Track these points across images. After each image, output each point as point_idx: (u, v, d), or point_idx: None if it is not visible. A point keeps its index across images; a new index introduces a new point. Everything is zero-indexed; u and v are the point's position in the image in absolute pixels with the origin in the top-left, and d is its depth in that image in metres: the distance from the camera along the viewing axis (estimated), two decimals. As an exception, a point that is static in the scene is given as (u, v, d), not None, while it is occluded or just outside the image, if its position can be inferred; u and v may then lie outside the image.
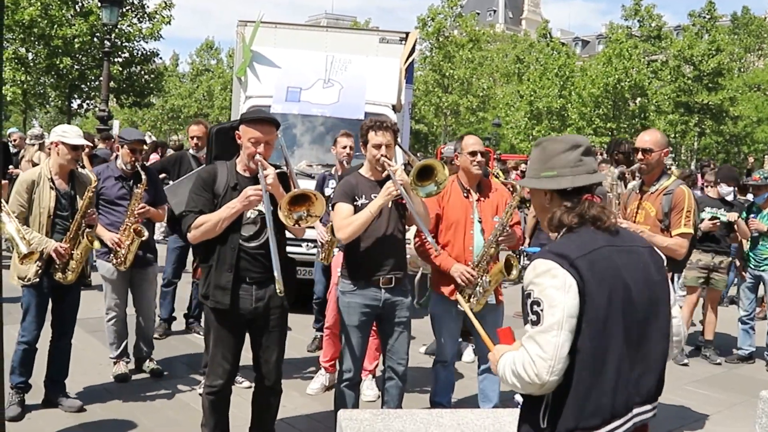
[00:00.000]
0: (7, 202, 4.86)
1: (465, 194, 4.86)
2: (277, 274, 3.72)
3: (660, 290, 2.42)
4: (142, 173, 5.67)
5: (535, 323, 2.25)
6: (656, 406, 2.43)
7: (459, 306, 4.75)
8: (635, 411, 2.33)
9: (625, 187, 6.72)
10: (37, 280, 4.86)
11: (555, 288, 2.23)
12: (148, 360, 6.03)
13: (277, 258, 3.74)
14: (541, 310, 2.24)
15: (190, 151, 7.40)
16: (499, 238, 4.69)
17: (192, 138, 7.40)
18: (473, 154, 4.82)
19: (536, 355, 2.22)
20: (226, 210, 3.94)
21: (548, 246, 2.40)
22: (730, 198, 7.99)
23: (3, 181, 4.82)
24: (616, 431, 2.28)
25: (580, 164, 2.45)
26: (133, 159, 5.69)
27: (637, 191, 5.18)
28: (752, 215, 7.54)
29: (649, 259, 2.44)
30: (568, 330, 2.21)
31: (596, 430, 2.25)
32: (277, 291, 3.80)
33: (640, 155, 4.99)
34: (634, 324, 2.31)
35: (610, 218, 2.40)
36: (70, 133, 5.00)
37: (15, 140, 11.40)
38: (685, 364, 7.32)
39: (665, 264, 2.52)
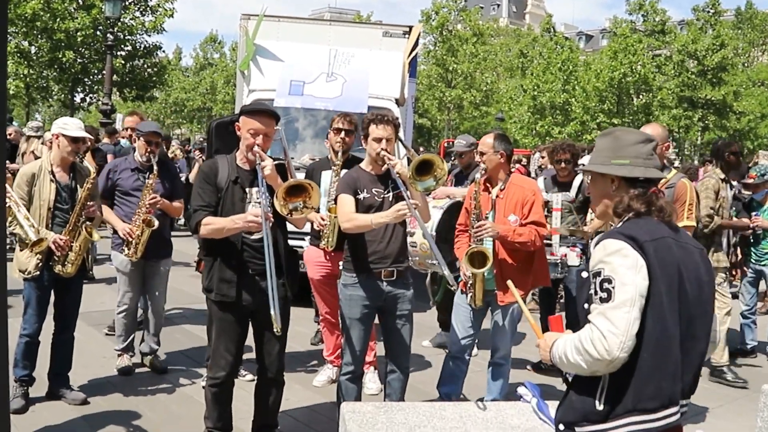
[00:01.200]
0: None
1: (487, 190, 4.94)
2: (273, 311, 3.64)
3: (708, 290, 2.48)
4: (154, 165, 5.68)
5: (605, 300, 2.29)
6: (688, 403, 2.47)
7: (467, 296, 4.82)
8: (681, 402, 2.38)
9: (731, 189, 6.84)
10: (38, 273, 4.87)
11: (626, 267, 2.28)
12: (153, 355, 6.03)
13: (275, 289, 3.68)
14: (613, 288, 2.28)
15: (122, 141, 7.37)
16: (474, 233, 4.71)
17: (126, 129, 7.40)
18: (480, 153, 4.90)
19: (608, 330, 2.24)
20: (231, 223, 3.96)
21: (616, 228, 2.45)
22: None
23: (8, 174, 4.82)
24: (670, 418, 2.31)
25: (651, 158, 2.52)
26: (148, 150, 5.71)
27: None
28: (754, 213, 7.52)
29: (700, 259, 2.49)
30: (638, 308, 2.26)
31: (653, 413, 2.29)
32: (275, 330, 3.72)
33: None
34: (685, 317, 2.36)
35: (672, 214, 2.47)
36: (70, 126, 5.01)
37: (10, 134, 11.38)
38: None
39: (712, 266, 2.59)
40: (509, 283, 3.07)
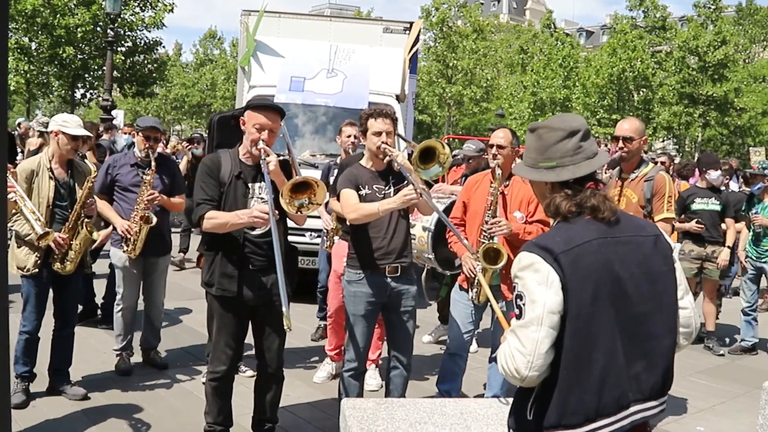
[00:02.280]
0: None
1: (491, 185, 4.83)
2: (285, 309, 3.61)
3: (665, 281, 2.35)
4: (153, 161, 5.67)
5: (518, 317, 2.22)
6: (664, 402, 2.37)
7: (470, 291, 4.80)
8: (634, 408, 2.26)
9: None
10: (36, 270, 4.85)
11: (537, 282, 2.19)
12: (153, 351, 6.02)
13: (283, 283, 3.66)
14: (523, 304, 2.21)
15: (125, 137, 7.35)
16: (487, 228, 4.66)
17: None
18: (491, 146, 4.84)
19: (516, 349, 2.19)
20: (235, 218, 3.94)
21: (535, 239, 2.35)
22: (717, 183, 7.89)
23: (12, 169, 4.79)
24: (603, 430, 2.22)
25: (580, 151, 2.36)
26: (147, 146, 5.70)
27: (617, 178, 5.17)
28: (754, 211, 7.52)
29: (652, 249, 2.35)
30: (548, 326, 2.17)
31: (578, 428, 2.20)
32: (285, 327, 3.69)
33: (621, 143, 5.01)
34: (632, 318, 2.25)
35: (610, 208, 2.32)
36: (70, 123, 4.97)
37: (23, 129, 11.42)
38: (721, 355, 7.44)
39: (673, 252, 2.44)
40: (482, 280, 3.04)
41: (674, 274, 2.40)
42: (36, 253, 4.81)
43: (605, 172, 5.88)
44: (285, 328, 3.70)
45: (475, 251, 4.70)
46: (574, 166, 2.35)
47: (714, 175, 7.77)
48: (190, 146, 11.88)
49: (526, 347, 2.17)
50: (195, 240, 10.09)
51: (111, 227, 5.80)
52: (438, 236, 5.60)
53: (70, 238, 4.91)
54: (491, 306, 4.78)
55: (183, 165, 10.48)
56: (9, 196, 4.52)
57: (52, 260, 4.89)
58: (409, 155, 4.70)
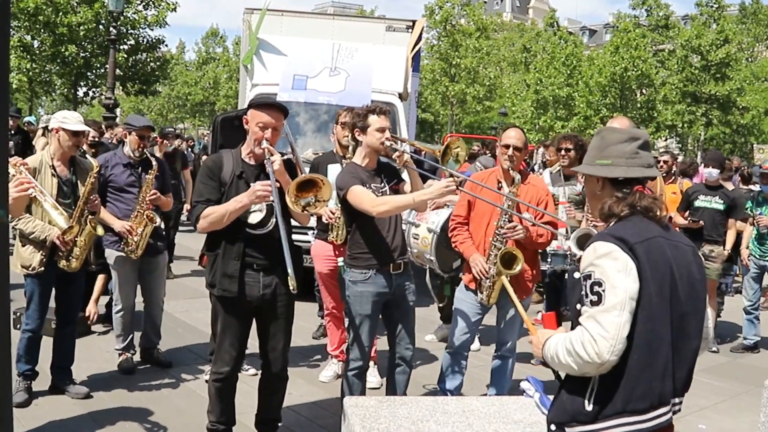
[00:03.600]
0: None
1: (498, 186, 4.83)
2: (290, 270, 3.62)
3: (700, 288, 2.47)
4: (153, 160, 5.66)
5: (596, 303, 2.28)
6: (681, 401, 2.47)
7: (479, 293, 4.79)
8: (674, 400, 2.39)
9: None
10: (42, 269, 4.84)
11: (617, 270, 2.28)
12: (155, 350, 6.02)
13: (288, 251, 3.67)
14: (603, 291, 2.28)
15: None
16: (502, 232, 4.66)
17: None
18: (506, 147, 4.76)
19: (598, 334, 2.25)
20: (234, 203, 3.91)
21: (607, 230, 2.44)
22: (712, 180, 7.87)
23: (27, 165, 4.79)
24: (660, 418, 2.32)
25: (636, 156, 2.49)
26: (141, 146, 5.67)
27: None
28: (759, 212, 7.51)
29: (692, 257, 2.48)
30: (629, 311, 2.26)
31: (643, 414, 2.30)
32: (290, 287, 3.66)
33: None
34: (677, 317, 2.36)
35: (662, 210, 2.45)
36: (70, 119, 4.95)
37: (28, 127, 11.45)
38: (715, 351, 7.48)
39: (714, 261, 2.63)
40: (505, 282, 3.06)
41: (705, 283, 2.54)
42: (41, 251, 4.81)
43: None
44: (290, 288, 3.65)
45: (485, 252, 4.71)
46: (627, 167, 2.49)
47: (709, 171, 7.80)
48: (162, 141, 11.47)
49: (609, 331, 2.24)
50: (194, 242, 10.12)
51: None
52: (441, 239, 5.61)
53: (74, 235, 4.91)
54: (515, 307, 4.81)
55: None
56: (28, 191, 4.53)
57: (58, 258, 4.89)
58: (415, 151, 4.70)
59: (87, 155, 5.32)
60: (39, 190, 4.67)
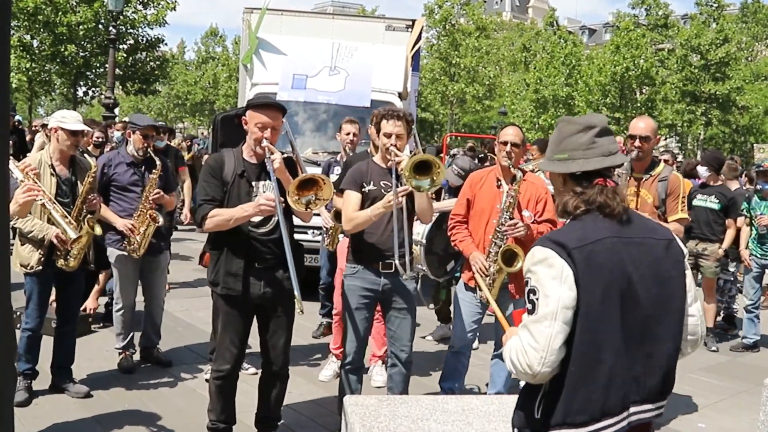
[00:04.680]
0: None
1: (497, 184, 4.83)
2: (297, 292, 3.77)
3: (674, 287, 2.33)
4: (156, 159, 5.66)
5: (531, 312, 2.20)
6: (661, 406, 2.35)
7: (478, 291, 4.79)
8: (632, 410, 2.26)
9: None
10: (40, 268, 4.84)
11: (551, 277, 2.17)
12: (155, 350, 6.01)
13: (291, 257, 3.75)
14: (537, 299, 2.19)
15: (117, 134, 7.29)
16: (503, 229, 4.66)
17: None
18: (504, 144, 4.77)
19: (528, 344, 2.18)
20: (239, 211, 3.95)
21: (548, 234, 2.33)
22: (705, 178, 7.98)
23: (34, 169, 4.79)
24: (606, 430, 2.21)
25: (593, 146, 2.34)
26: (145, 145, 5.67)
27: (629, 177, 4.98)
28: (759, 213, 7.51)
29: (663, 253, 2.32)
30: (562, 321, 2.16)
31: (582, 427, 2.19)
32: (297, 310, 3.82)
33: (638, 142, 4.90)
34: (638, 321, 2.24)
35: (620, 206, 2.30)
36: (69, 119, 4.94)
37: (35, 126, 11.46)
38: (714, 350, 7.47)
39: (685, 257, 2.42)
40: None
41: (684, 279, 2.38)
42: (40, 250, 4.81)
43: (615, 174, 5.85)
44: (297, 311, 3.79)
45: (485, 250, 4.72)
46: (585, 160, 2.34)
47: (701, 170, 7.93)
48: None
49: (539, 342, 2.16)
50: (194, 241, 10.13)
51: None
52: (427, 248, 5.75)
53: (84, 244, 4.88)
54: (494, 311, 4.81)
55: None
56: (38, 199, 4.54)
57: (56, 257, 4.88)
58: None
59: (86, 155, 5.30)
60: (48, 198, 4.66)
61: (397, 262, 4.31)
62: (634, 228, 2.32)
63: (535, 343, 2.16)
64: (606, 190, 2.31)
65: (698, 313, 2.45)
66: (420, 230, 5.64)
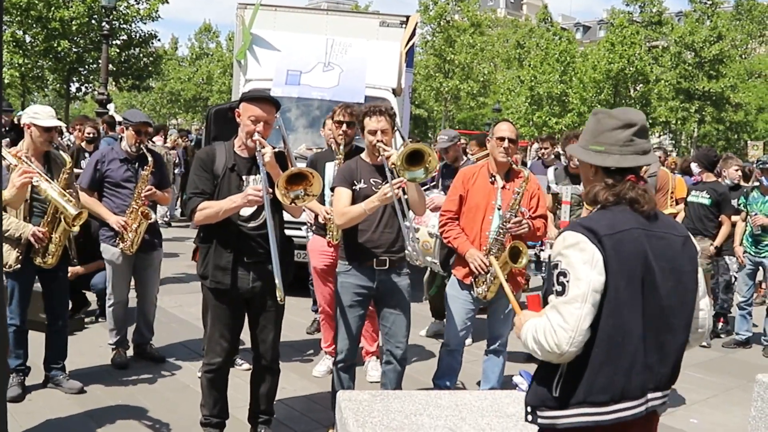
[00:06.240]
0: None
1: (491, 180, 4.83)
2: (278, 281, 3.74)
3: (689, 281, 2.44)
4: (149, 155, 5.64)
5: (560, 294, 2.28)
6: (667, 395, 2.45)
7: (475, 289, 4.79)
8: (649, 396, 2.35)
9: None
10: (19, 266, 4.78)
11: (582, 261, 2.26)
12: (148, 345, 6.00)
13: (276, 251, 3.73)
14: (567, 281, 2.27)
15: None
16: (508, 227, 4.67)
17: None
18: (501, 139, 4.77)
19: (558, 325, 2.25)
20: (228, 202, 3.95)
21: (579, 220, 2.42)
22: (696, 175, 8.11)
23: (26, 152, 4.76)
24: (623, 412, 2.29)
25: (630, 144, 2.43)
26: (138, 141, 5.65)
27: None
28: (753, 212, 7.52)
29: (681, 248, 2.43)
30: (591, 304, 2.24)
31: (603, 406, 2.28)
32: (278, 298, 3.79)
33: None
34: (656, 310, 2.33)
35: (649, 203, 2.40)
36: (41, 115, 4.87)
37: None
38: (705, 346, 7.45)
39: (698, 254, 2.53)
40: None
41: (696, 275, 2.49)
42: (17, 249, 4.75)
43: None
44: (278, 300, 3.78)
45: (481, 246, 4.73)
46: (621, 156, 2.42)
47: (693, 167, 8.17)
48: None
49: (569, 323, 2.23)
50: (187, 237, 10.10)
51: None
52: (443, 242, 5.63)
53: (50, 231, 4.84)
54: (507, 298, 4.83)
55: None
56: (34, 180, 4.50)
57: (34, 255, 4.83)
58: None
59: (60, 149, 5.25)
60: (45, 178, 4.63)
61: (409, 248, 4.31)
62: (657, 223, 2.43)
63: (565, 324, 2.24)
64: (638, 188, 2.41)
65: (706, 307, 2.57)
66: (436, 223, 5.61)
